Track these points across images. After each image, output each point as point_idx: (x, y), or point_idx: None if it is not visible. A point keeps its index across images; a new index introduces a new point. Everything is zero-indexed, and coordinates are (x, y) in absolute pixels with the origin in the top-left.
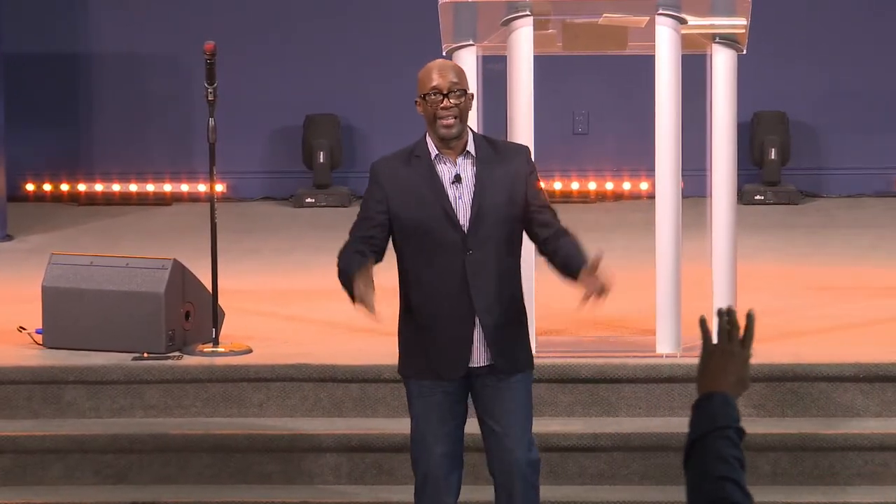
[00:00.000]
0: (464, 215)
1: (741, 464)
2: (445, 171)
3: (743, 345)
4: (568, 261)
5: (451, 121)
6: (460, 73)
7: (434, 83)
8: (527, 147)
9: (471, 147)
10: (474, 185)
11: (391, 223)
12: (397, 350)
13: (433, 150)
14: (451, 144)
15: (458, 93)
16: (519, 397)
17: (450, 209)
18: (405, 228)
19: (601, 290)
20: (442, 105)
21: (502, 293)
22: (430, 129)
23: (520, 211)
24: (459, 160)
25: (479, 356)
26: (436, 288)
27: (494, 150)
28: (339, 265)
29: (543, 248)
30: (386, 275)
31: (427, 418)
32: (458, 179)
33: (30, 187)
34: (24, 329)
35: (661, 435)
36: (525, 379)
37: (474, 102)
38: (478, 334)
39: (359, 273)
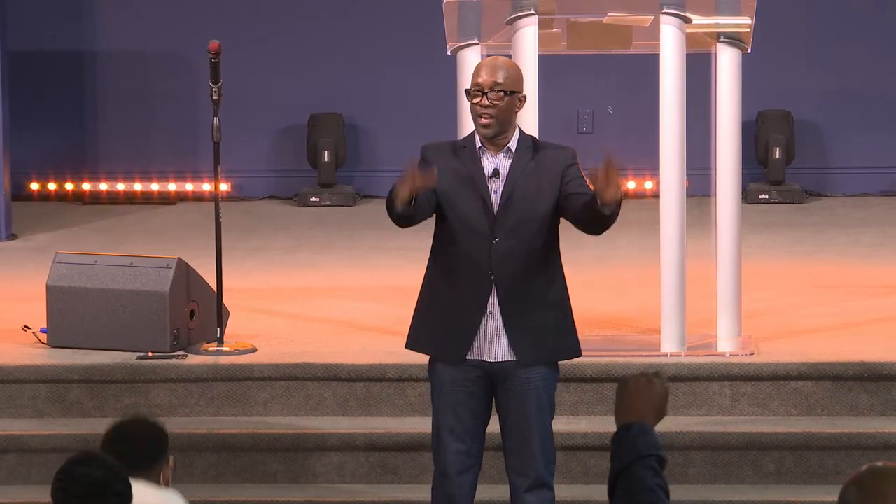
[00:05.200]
0: (496, 207)
1: (665, 492)
2: (486, 163)
3: (658, 376)
4: (588, 200)
5: (488, 120)
6: (509, 75)
7: (478, 80)
8: (573, 149)
9: (512, 144)
10: (507, 176)
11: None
12: (410, 323)
13: (478, 143)
14: (494, 140)
15: (497, 93)
16: (536, 407)
17: (487, 196)
18: (442, 206)
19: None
20: (479, 102)
21: (529, 285)
22: (475, 124)
23: (553, 206)
24: (500, 156)
25: (496, 350)
26: (459, 272)
27: (537, 150)
28: (387, 201)
29: (577, 212)
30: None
31: (446, 415)
32: (496, 174)
33: (34, 186)
34: (28, 328)
35: (664, 434)
36: (539, 388)
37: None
38: (493, 325)
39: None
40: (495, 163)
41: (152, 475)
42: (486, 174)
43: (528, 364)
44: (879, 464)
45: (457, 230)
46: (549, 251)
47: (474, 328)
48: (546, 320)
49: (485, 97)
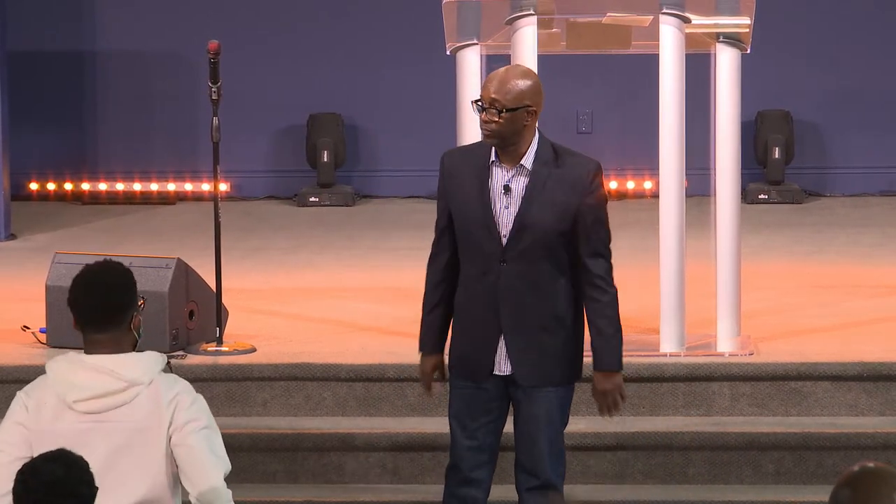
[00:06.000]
0: (506, 226)
1: None
2: (499, 177)
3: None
4: (592, 347)
5: (487, 133)
6: (511, 90)
7: (481, 92)
8: (596, 163)
9: (527, 160)
10: (522, 199)
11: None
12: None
13: (492, 155)
14: (506, 152)
15: (493, 111)
16: (545, 412)
17: (490, 218)
18: (455, 226)
19: (609, 409)
20: (479, 117)
21: (536, 308)
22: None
23: (568, 229)
24: (513, 171)
25: (504, 365)
26: (472, 291)
27: (557, 163)
28: (424, 294)
29: (582, 300)
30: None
31: (459, 411)
32: (507, 190)
33: (34, 186)
34: (27, 328)
35: (664, 434)
36: (551, 395)
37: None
38: (504, 344)
39: (424, 361)
40: (507, 178)
41: (125, 323)
42: (498, 190)
43: (528, 386)
44: (871, 464)
45: (469, 249)
46: (560, 274)
47: (492, 349)
48: (546, 345)
49: (484, 112)
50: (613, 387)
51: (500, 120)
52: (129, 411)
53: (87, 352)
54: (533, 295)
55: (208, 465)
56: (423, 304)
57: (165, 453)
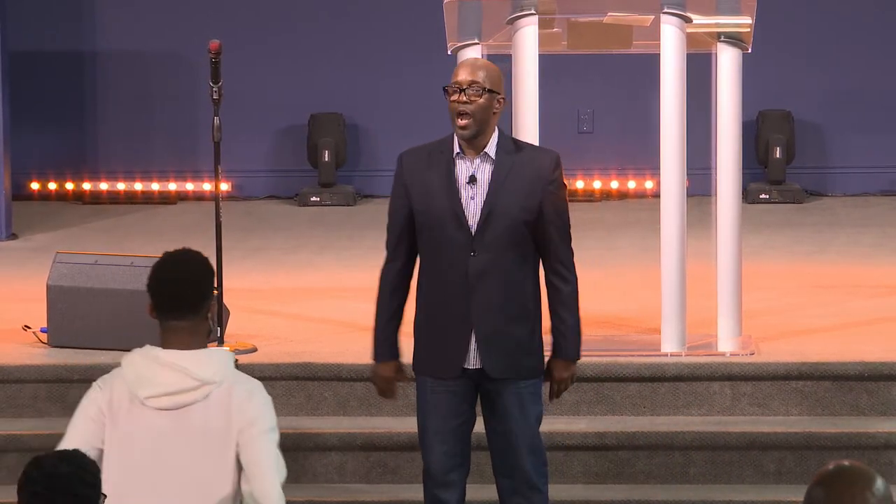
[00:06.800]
0: (473, 216)
1: None
2: (464, 169)
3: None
4: (553, 335)
5: (465, 121)
6: (488, 74)
7: (456, 77)
8: (555, 154)
9: (490, 149)
10: (488, 187)
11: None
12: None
13: (456, 147)
14: (471, 143)
15: (475, 90)
16: (518, 405)
17: (459, 208)
18: (419, 222)
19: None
20: (457, 99)
21: (506, 298)
22: (452, 125)
23: (534, 218)
24: (478, 160)
25: (475, 359)
26: (440, 285)
27: (518, 154)
28: (378, 301)
29: (547, 287)
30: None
31: (430, 415)
32: (472, 180)
33: (35, 186)
34: (28, 328)
35: (665, 434)
36: (522, 390)
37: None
38: (474, 336)
39: (384, 367)
40: (472, 168)
41: (202, 312)
42: (463, 181)
43: (496, 378)
44: (846, 463)
45: (434, 243)
46: (526, 263)
47: (464, 343)
48: (515, 336)
49: (462, 94)
50: (570, 374)
51: (481, 100)
52: (202, 410)
53: (164, 341)
54: (502, 285)
55: (270, 470)
56: (378, 311)
57: (233, 454)
